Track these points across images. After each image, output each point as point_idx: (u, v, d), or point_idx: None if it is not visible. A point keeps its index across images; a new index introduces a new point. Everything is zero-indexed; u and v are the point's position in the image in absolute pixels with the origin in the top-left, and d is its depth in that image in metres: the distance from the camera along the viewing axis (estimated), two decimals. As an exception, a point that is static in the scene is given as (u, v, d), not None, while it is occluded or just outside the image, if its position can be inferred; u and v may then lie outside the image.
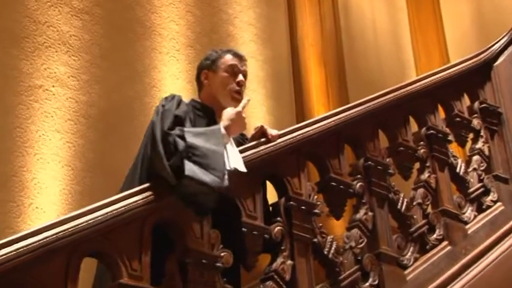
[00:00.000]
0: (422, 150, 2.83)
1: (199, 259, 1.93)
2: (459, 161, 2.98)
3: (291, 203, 2.25)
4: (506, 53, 3.35)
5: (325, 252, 2.29)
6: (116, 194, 2.02)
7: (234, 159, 2.01)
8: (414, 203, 2.71)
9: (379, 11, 5.40)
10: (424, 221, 2.68)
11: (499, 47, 3.36)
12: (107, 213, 1.77)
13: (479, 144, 3.13)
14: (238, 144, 2.37)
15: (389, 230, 2.53)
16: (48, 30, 3.44)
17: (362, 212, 2.47)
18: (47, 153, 3.20)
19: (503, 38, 3.41)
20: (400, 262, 2.51)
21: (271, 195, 2.36)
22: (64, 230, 1.67)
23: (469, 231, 2.80)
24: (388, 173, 2.63)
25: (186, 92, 3.67)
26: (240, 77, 2.35)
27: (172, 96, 2.20)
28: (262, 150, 2.22)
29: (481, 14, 5.32)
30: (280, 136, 2.30)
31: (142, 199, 1.85)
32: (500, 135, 3.21)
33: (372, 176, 2.55)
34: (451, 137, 2.99)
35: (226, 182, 1.92)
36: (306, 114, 4.34)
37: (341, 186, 2.44)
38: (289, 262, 2.17)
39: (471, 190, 2.96)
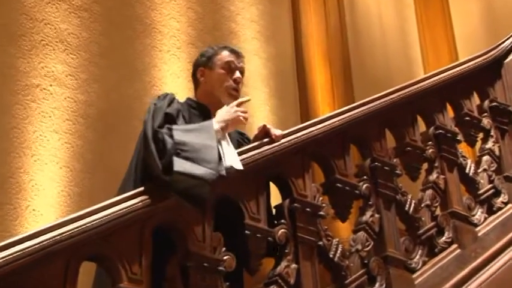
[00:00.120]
0: (430, 150, 2.83)
1: (201, 263, 1.93)
2: (469, 161, 2.98)
3: (296, 204, 2.25)
4: (517, 50, 3.35)
5: (331, 256, 2.29)
6: (115, 195, 2.02)
7: (230, 156, 2.01)
8: (422, 205, 2.71)
9: (385, 7, 5.39)
10: (432, 223, 2.67)
11: (510, 44, 3.36)
12: (107, 215, 1.77)
13: (489, 144, 3.12)
14: (238, 143, 2.37)
15: (396, 232, 2.53)
16: (45, 28, 3.44)
17: (368, 214, 2.47)
18: (44, 154, 3.21)
19: (514, 34, 3.40)
20: (408, 266, 2.51)
21: (275, 197, 2.36)
22: (62, 233, 1.68)
23: (479, 234, 2.79)
24: (395, 173, 2.63)
25: (188, 91, 3.67)
26: (237, 74, 2.36)
27: (165, 95, 2.21)
28: (265, 150, 2.22)
29: (490, 9, 5.31)
30: (284, 136, 2.30)
31: (142, 201, 1.86)
32: (511, 134, 3.20)
33: (378, 177, 2.55)
34: (460, 137, 2.99)
35: (223, 172, 1.92)
36: (311, 114, 4.34)
37: (347, 188, 2.44)
38: (293, 266, 2.17)
39: (481, 191, 2.95)
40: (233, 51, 2.40)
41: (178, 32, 4.01)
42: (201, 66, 2.40)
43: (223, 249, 2.01)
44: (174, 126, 2.02)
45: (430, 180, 2.78)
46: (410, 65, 5.35)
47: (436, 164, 2.83)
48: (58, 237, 1.66)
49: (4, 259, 1.56)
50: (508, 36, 3.40)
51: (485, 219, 2.88)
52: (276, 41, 4.54)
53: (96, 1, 3.68)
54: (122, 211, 1.81)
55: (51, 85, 3.37)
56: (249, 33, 4.41)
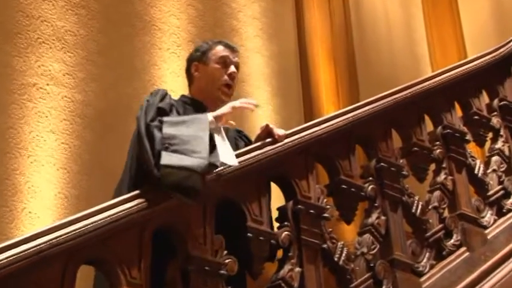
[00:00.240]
0: (438, 151, 2.82)
1: (202, 266, 1.93)
2: (477, 161, 2.98)
3: (299, 206, 2.25)
4: (527, 47, 3.34)
5: (336, 259, 2.29)
6: (112, 197, 2.03)
7: (225, 152, 2.00)
8: (430, 207, 2.70)
9: (391, 3, 5.39)
10: (440, 226, 2.67)
11: (520, 41, 3.35)
12: (105, 218, 1.78)
13: (499, 144, 3.12)
14: (236, 141, 2.38)
15: (403, 235, 2.53)
16: (42, 26, 3.45)
17: (374, 216, 2.47)
18: (41, 155, 3.21)
19: (524, 31, 3.40)
20: (415, 269, 2.50)
21: (278, 198, 2.36)
22: (59, 236, 1.68)
23: (489, 236, 2.79)
24: (401, 174, 2.63)
25: (187, 90, 3.67)
26: (232, 69, 2.37)
27: (157, 91, 2.22)
28: (268, 150, 2.22)
29: (500, 5, 5.31)
30: (287, 136, 2.31)
31: (142, 203, 1.86)
32: (521, 134, 3.20)
33: (384, 178, 2.55)
34: (468, 137, 2.99)
35: (217, 163, 1.92)
36: (315, 113, 4.34)
37: (352, 189, 2.44)
38: (297, 269, 2.17)
39: (490, 193, 2.95)
40: (228, 46, 2.41)
41: (178, 30, 4.01)
42: (195, 61, 2.41)
43: (225, 252, 2.01)
44: (165, 118, 2.03)
45: (437, 181, 2.78)
46: (417, 62, 5.34)
47: (444, 165, 2.82)
48: (55, 240, 1.66)
49: (0, 262, 1.56)
50: (518, 33, 3.40)
51: (495, 221, 2.87)
52: (278, 38, 4.55)
53: (94, -2, 3.69)
54: (120, 213, 1.81)
55: (47, 84, 3.37)
56: (251, 31, 4.41)
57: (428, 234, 2.61)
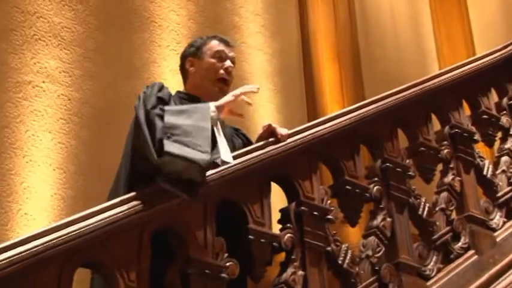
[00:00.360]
0: (445, 151, 2.82)
1: (203, 269, 1.94)
2: (486, 162, 2.98)
3: (302, 208, 2.26)
4: (537, 44, 3.34)
5: (340, 262, 2.29)
6: (107, 198, 2.03)
7: (221, 148, 2.01)
8: (437, 208, 2.70)
9: (397, -2, 5.40)
10: (447, 228, 2.67)
11: (530, 38, 3.35)
12: (103, 219, 1.78)
13: (508, 144, 3.12)
14: (232, 139, 2.38)
15: (409, 237, 2.53)
16: (38, 22, 3.45)
17: (380, 218, 2.47)
18: (37, 155, 3.22)
19: (534, 27, 3.40)
20: (422, 273, 2.51)
21: (281, 199, 2.37)
22: (56, 238, 1.68)
23: (498, 239, 2.79)
24: (408, 175, 2.63)
25: (188, 88, 3.68)
26: (228, 63, 2.37)
27: (153, 84, 2.23)
28: (271, 150, 2.23)
29: (509, 0, 5.30)
30: (290, 136, 2.31)
31: (140, 204, 1.86)
32: (531, 133, 3.20)
33: (390, 178, 2.55)
34: (477, 136, 2.99)
35: (217, 160, 1.93)
36: (318, 112, 4.34)
37: (357, 190, 2.44)
38: (300, 272, 2.17)
39: (500, 194, 2.95)
40: (223, 41, 2.42)
41: (178, 26, 4.01)
42: (190, 56, 2.41)
43: (226, 255, 2.01)
44: (166, 107, 2.02)
45: (445, 182, 2.78)
46: (424, 59, 5.34)
47: (452, 165, 2.82)
48: (51, 242, 1.67)
49: (-5, 265, 1.57)
50: (528, 29, 3.39)
51: (504, 223, 2.87)
52: (281, 35, 4.55)
53: (91, -7, 3.70)
54: (118, 215, 1.81)
55: (43, 82, 3.38)
56: (253, 27, 4.41)
57: (435, 236, 2.61)
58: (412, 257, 2.49)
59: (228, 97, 2.16)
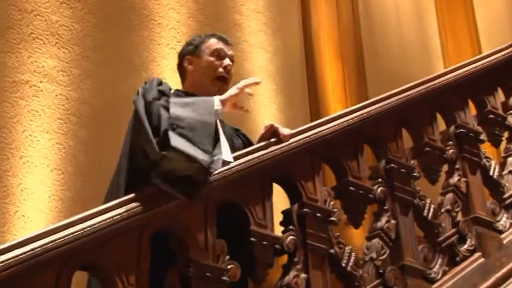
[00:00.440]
0: (451, 151, 2.82)
1: (203, 272, 1.94)
2: (493, 162, 2.97)
3: (305, 209, 2.26)
4: (545, 41, 3.33)
5: (343, 265, 2.29)
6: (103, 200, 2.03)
7: (223, 147, 2.01)
8: (442, 210, 2.70)
9: (402, -5, 5.39)
10: (453, 230, 2.67)
11: (537, 35, 3.35)
12: (102, 221, 1.78)
13: (515, 144, 3.12)
14: (232, 139, 2.38)
15: (414, 239, 2.53)
16: (35, 20, 3.46)
17: (384, 219, 2.47)
18: (34, 156, 3.22)
19: (541, 25, 3.40)
20: (427, 275, 2.50)
21: (283, 201, 2.37)
22: (54, 241, 1.68)
23: (505, 241, 2.78)
24: (412, 176, 2.63)
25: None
26: (227, 61, 2.38)
27: (152, 79, 2.23)
28: (273, 151, 2.23)
29: (516, -2, 5.30)
30: (292, 136, 2.31)
31: (140, 205, 1.86)
32: (538, 133, 3.19)
33: (394, 179, 2.55)
34: (483, 136, 2.98)
35: (217, 163, 1.93)
36: (321, 112, 4.34)
37: (360, 191, 2.44)
38: (303, 275, 2.17)
39: (506, 195, 2.94)
40: (221, 39, 2.43)
41: (178, 24, 4.02)
42: (188, 54, 2.42)
43: (227, 257, 2.01)
44: (172, 99, 2.03)
45: (450, 183, 2.78)
46: (429, 57, 5.34)
47: (457, 166, 2.82)
48: (49, 245, 1.67)
49: (-9, 268, 1.57)
50: (535, 27, 3.39)
51: (511, 225, 2.87)
52: (283, 33, 4.55)
53: (89, -9, 3.70)
54: (117, 217, 1.81)
55: (41, 81, 3.38)
56: (254, 25, 4.41)
57: (440, 238, 2.61)
58: (417, 260, 2.49)
59: (232, 90, 2.17)
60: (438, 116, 2.90)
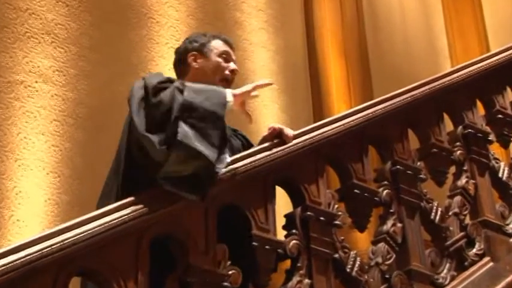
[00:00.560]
0: (458, 152, 2.82)
1: (204, 278, 1.94)
2: (502, 164, 2.97)
3: (308, 213, 2.25)
4: (555, 39, 3.34)
5: (348, 270, 2.28)
6: (97, 203, 2.03)
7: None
8: (450, 213, 2.70)
9: (407, -8, 5.39)
10: (461, 234, 2.67)
11: (547, 33, 3.35)
12: (99, 226, 1.78)
13: (524, 145, 3.11)
14: (230, 139, 2.38)
15: (421, 243, 2.52)
16: (30, 19, 3.46)
17: (390, 223, 2.47)
18: (29, 159, 3.22)
19: (551, 22, 3.40)
20: (435, 281, 2.50)
21: (286, 204, 2.37)
22: (50, 246, 1.68)
23: (514, 245, 2.78)
24: (419, 178, 2.62)
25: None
26: (234, 65, 2.41)
27: (150, 74, 2.24)
28: (275, 153, 2.22)
29: (525, -5, 5.30)
30: (295, 137, 2.31)
31: (139, 209, 1.86)
32: (549, 134, 3.19)
33: (400, 182, 2.55)
34: (491, 137, 2.98)
35: (223, 161, 1.94)
36: (325, 112, 4.34)
37: (365, 194, 2.44)
38: (306, 281, 2.17)
39: (516, 198, 2.94)
40: (227, 42, 2.45)
41: (177, 22, 4.02)
42: (194, 51, 2.43)
43: (229, 262, 2.01)
44: (187, 83, 2.04)
45: (458, 185, 2.77)
46: (436, 56, 5.34)
47: (465, 168, 2.82)
48: (45, 250, 1.67)
49: (-15, 274, 1.57)
50: (545, 24, 3.39)
51: (521, 228, 2.87)
52: (285, 31, 4.55)
53: (86, -12, 3.70)
54: (116, 221, 1.81)
55: (36, 82, 3.39)
56: (255, 23, 4.41)
57: (448, 242, 2.61)
58: (424, 265, 2.49)
59: (246, 87, 2.18)
60: (445, 116, 2.89)
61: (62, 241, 1.71)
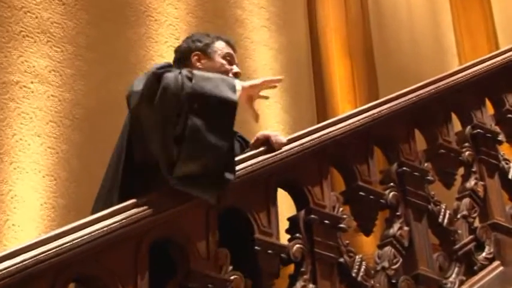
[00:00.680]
0: (467, 153, 2.82)
1: (205, 283, 1.94)
2: (512, 165, 2.97)
3: (312, 216, 2.26)
4: None
5: (353, 275, 2.29)
6: (93, 206, 2.03)
7: None
8: (458, 216, 2.70)
9: (413, -12, 5.40)
10: (470, 237, 2.67)
11: (558, 29, 3.35)
12: (97, 230, 1.78)
13: (535, 145, 3.11)
14: None
15: (429, 247, 2.53)
16: (25, 17, 3.47)
17: (396, 226, 2.47)
18: (25, 161, 3.23)
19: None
20: (443, 286, 2.50)
21: (289, 207, 2.37)
22: (46, 251, 1.68)
23: (525, 249, 2.78)
24: (426, 180, 2.62)
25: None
26: (237, 69, 2.42)
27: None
28: (278, 154, 2.23)
29: (535, -10, 5.30)
30: (298, 138, 2.31)
31: (138, 213, 1.87)
32: (560, 133, 3.19)
33: (407, 183, 2.55)
34: (501, 137, 2.98)
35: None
36: (329, 112, 4.35)
37: (371, 197, 2.44)
38: (310, 286, 2.17)
39: (527, 200, 2.94)
40: (230, 44, 2.47)
41: (176, 20, 4.02)
42: (198, 51, 2.44)
43: (230, 267, 2.01)
44: (195, 71, 2.05)
45: (467, 187, 2.77)
46: (443, 53, 5.34)
47: (474, 169, 2.82)
48: (41, 255, 1.67)
49: (-20, 281, 1.57)
50: (555, 21, 3.39)
51: (532, 231, 2.87)
52: (288, 29, 4.55)
53: (82, -14, 3.71)
54: (114, 225, 1.81)
55: (32, 82, 3.39)
56: (257, 21, 4.42)
57: (457, 246, 2.61)
58: (432, 269, 2.49)
59: (255, 80, 2.18)
60: (453, 116, 2.90)
61: (59, 246, 1.71)
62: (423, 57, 5.15)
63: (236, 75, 2.40)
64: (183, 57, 2.47)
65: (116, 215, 1.84)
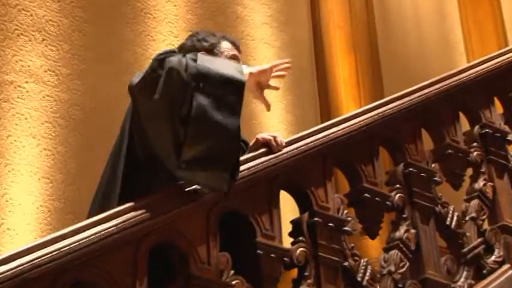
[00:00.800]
0: (475, 153, 2.82)
1: (206, 289, 1.94)
2: (521, 165, 2.97)
3: (316, 218, 2.26)
4: None
5: (359, 279, 2.29)
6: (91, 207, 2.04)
7: None
8: (467, 218, 2.70)
9: (420, -17, 5.40)
10: (479, 240, 2.67)
11: None
12: (95, 234, 1.79)
13: (545, 145, 3.11)
14: None
15: (436, 250, 2.53)
16: (19, 15, 3.48)
17: (403, 229, 2.47)
18: (20, 164, 3.23)
19: None
20: (451, 290, 2.51)
21: (292, 210, 2.37)
22: (42, 256, 1.69)
23: (536, 252, 2.78)
24: (433, 181, 2.63)
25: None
26: None
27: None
28: (280, 155, 2.23)
29: (545, -15, 5.30)
30: (301, 138, 2.31)
31: (136, 216, 1.87)
32: None
33: (413, 185, 2.55)
34: (510, 136, 2.98)
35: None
36: (332, 112, 4.35)
37: (376, 198, 2.44)
38: (314, 291, 2.18)
39: (537, 201, 2.94)
40: (235, 45, 2.47)
41: (175, 18, 4.03)
42: (205, 50, 2.44)
43: (232, 272, 2.02)
44: (199, 54, 2.03)
45: (475, 188, 2.78)
46: (450, 51, 5.34)
47: (483, 169, 2.82)
48: (37, 260, 1.67)
49: (-25, 286, 1.58)
50: None
51: (543, 234, 2.87)
52: (290, 26, 4.56)
53: (78, -18, 3.72)
54: (112, 229, 1.82)
55: (27, 82, 3.40)
56: (258, 18, 4.42)
57: (465, 249, 2.61)
58: (439, 273, 2.49)
59: (263, 66, 2.16)
60: (461, 115, 2.90)
61: (55, 251, 1.71)
62: (430, 54, 5.15)
63: None
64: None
65: (114, 218, 1.84)
